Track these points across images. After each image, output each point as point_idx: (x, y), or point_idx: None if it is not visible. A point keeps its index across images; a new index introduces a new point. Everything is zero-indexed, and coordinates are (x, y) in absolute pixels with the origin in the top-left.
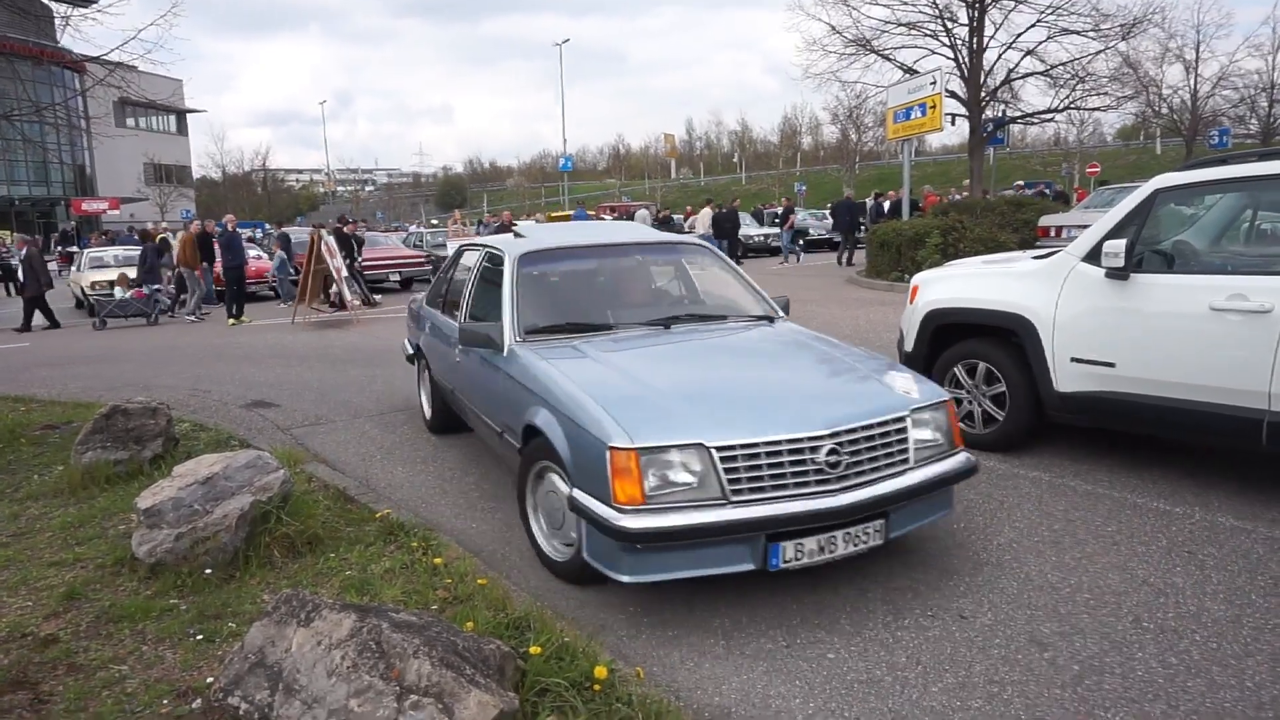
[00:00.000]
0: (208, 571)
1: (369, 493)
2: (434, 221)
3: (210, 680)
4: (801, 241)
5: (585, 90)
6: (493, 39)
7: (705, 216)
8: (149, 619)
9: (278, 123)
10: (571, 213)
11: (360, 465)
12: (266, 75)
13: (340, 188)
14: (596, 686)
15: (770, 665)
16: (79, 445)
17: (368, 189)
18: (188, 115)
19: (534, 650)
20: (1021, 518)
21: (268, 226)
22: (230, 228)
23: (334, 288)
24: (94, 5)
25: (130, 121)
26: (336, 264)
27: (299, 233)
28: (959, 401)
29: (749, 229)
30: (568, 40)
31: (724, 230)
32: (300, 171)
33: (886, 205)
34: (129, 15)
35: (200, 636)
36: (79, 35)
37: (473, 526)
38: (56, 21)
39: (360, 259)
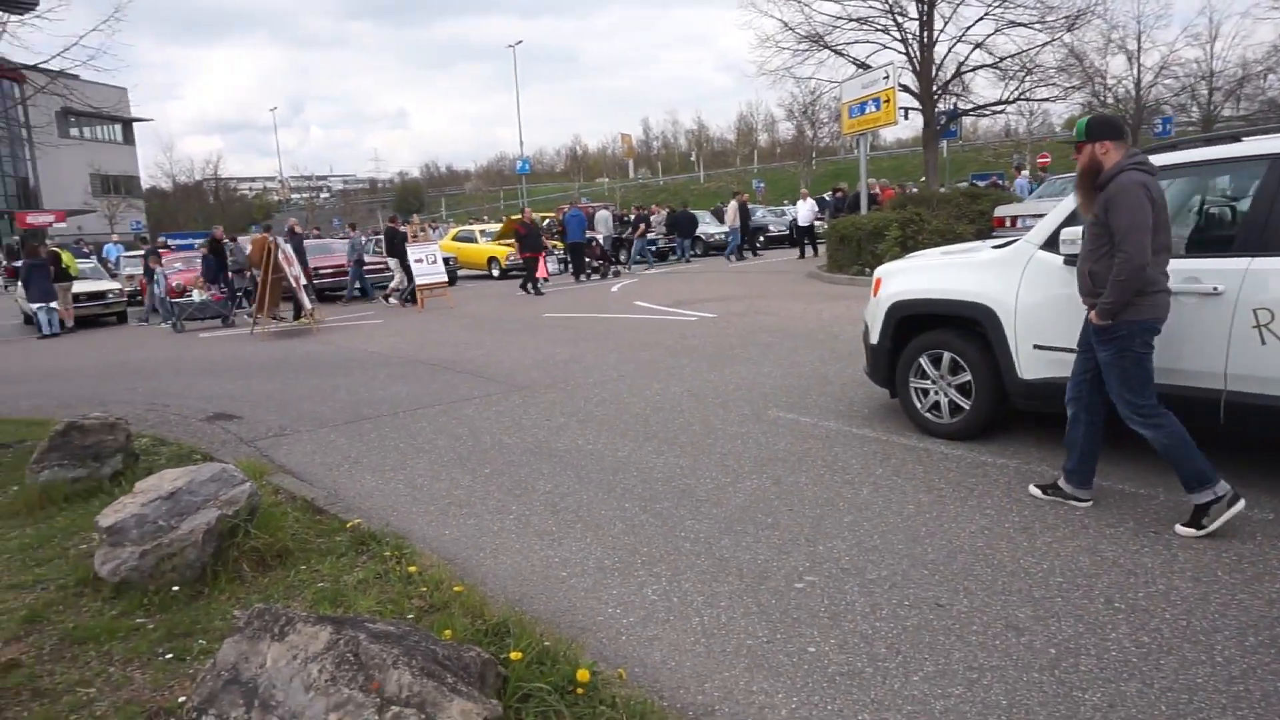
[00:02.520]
0: (175, 589)
1: (338, 503)
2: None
3: (182, 700)
4: (761, 238)
5: (540, 92)
6: (445, 42)
7: (734, 209)
8: (115, 639)
9: (228, 130)
10: (567, 210)
11: (327, 475)
12: (214, 82)
13: (295, 195)
14: (579, 690)
15: (751, 661)
16: (34, 464)
17: (323, 196)
18: (134, 124)
19: (515, 656)
20: (992, 505)
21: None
22: (296, 230)
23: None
24: (32, 12)
25: (74, 131)
26: (295, 272)
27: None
28: (925, 392)
29: (707, 227)
30: (520, 42)
31: (682, 228)
32: (253, 180)
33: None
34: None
35: (170, 655)
36: (17, 42)
37: (445, 533)
38: None
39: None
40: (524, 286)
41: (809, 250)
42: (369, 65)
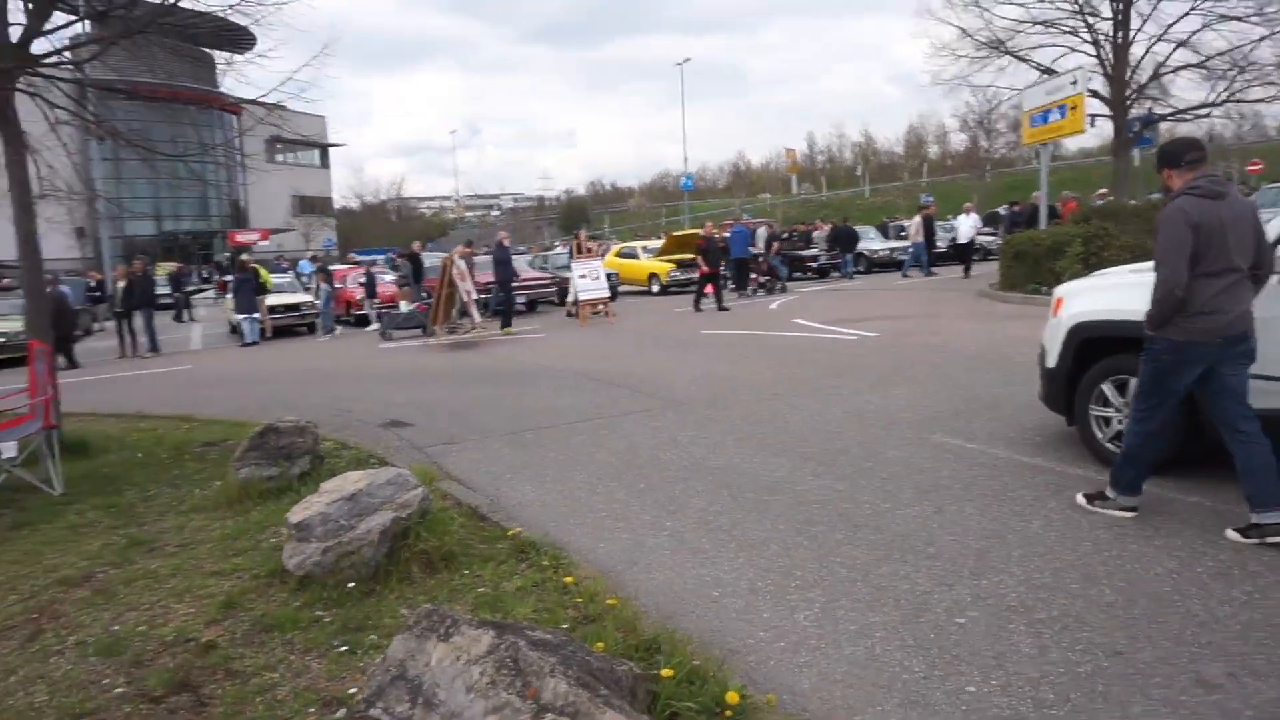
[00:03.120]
0: (350, 585)
1: (499, 511)
2: (556, 245)
3: (353, 690)
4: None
5: (705, 109)
6: (615, 61)
7: (916, 224)
8: (297, 629)
9: (411, 153)
10: (730, 230)
11: (490, 484)
12: (401, 107)
13: (468, 213)
14: (728, 712)
15: (905, 697)
16: (236, 461)
17: (494, 214)
18: (330, 149)
19: (665, 673)
20: (1182, 546)
21: (398, 250)
22: (504, 243)
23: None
24: (251, 51)
25: (279, 157)
26: (467, 287)
27: (430, 258)
28: (1107, 421)
29: (871, 243)
30: (688, 59)
31: (844, 244)
32: (431, 199)
33: (1019, 212)
34: (282, 58)
35: (344, 648)
36: (241, 78)
37: (601, 546)
38: (218, 68)
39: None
40: (697, 304)
41: (971, 269)
42: (542, 87)
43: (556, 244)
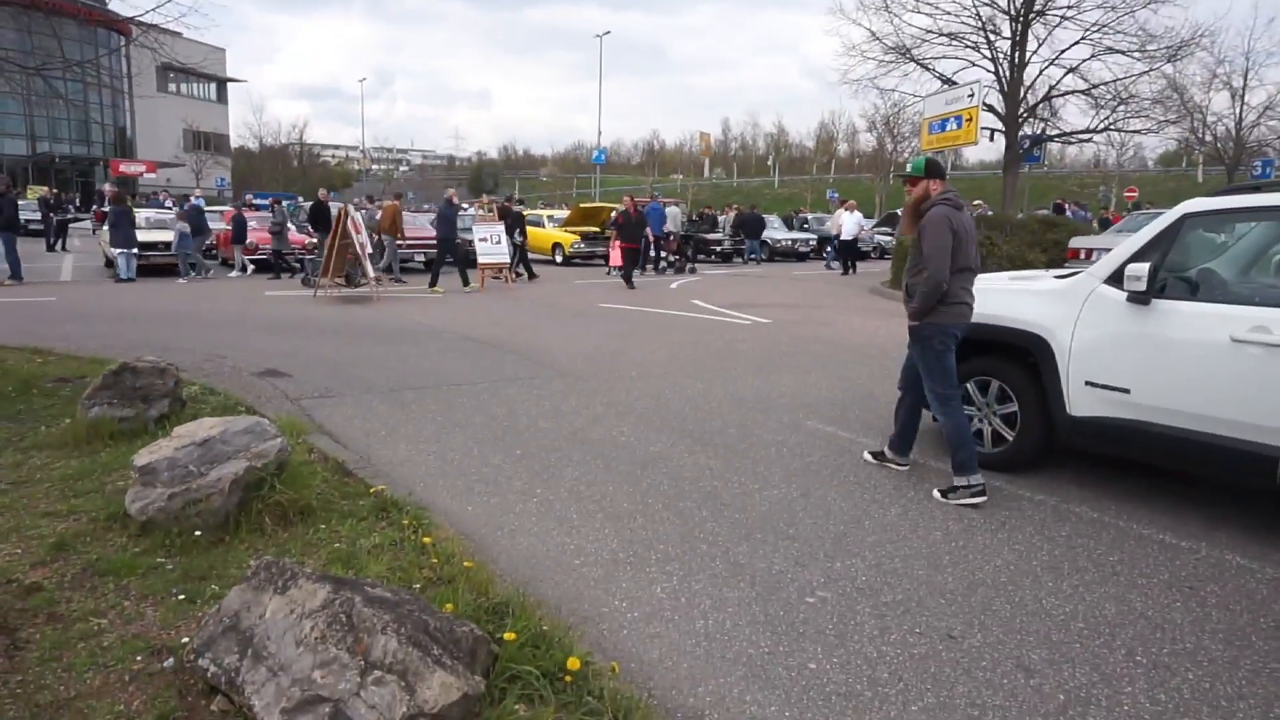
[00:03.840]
0: (197, 534)
1: (368, 468)
2: (464, 206)
3: (185, 640)
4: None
5: (623, 84)
6: (535, 26)
7: (847, 219)
8: (134, 575)
9: (317, 98)
10: (649, 202)
11: (363, 440)
12: (309, 50)
13: (375, 166)
14: (568, 678)
15: (749, 670)
16: (86, 399)
17: (402, 169)
18: (228, 84)
19: (509, 636)
20: (1022, 540)
21: (300, 199)
22: (453, 201)
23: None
24: None
25: (171, 87)
26: (361, 239)
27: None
28: (969, 419)
29: (775, 232)
30: (609, 33)
31: (750, 230)
32: (337, 147)
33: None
34: None
35: (182, 597)
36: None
37: (468, 509)
38: None
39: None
40: (628, 279)
41: (853, 267)
42: (458, 44)
43: (465, 206)
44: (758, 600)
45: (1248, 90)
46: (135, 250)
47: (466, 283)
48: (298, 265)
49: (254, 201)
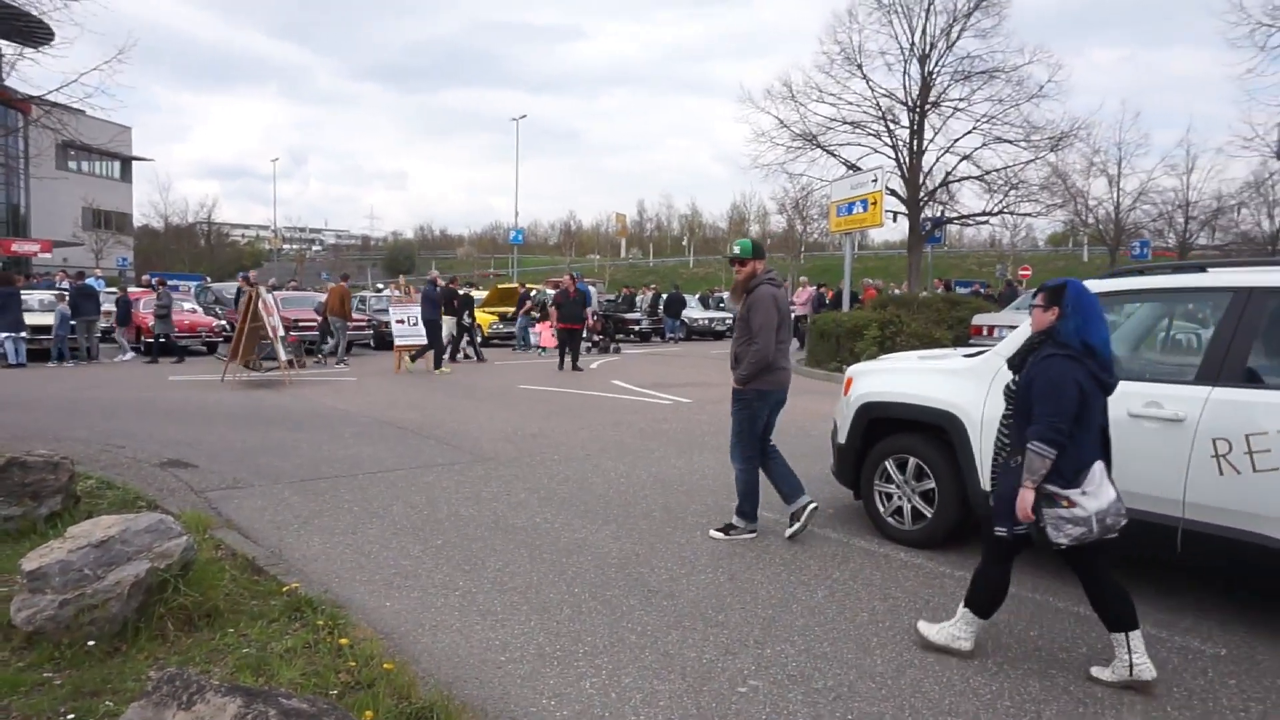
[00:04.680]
0: (91, 644)
1: (280, 564)
2: (379, 286)
3: None
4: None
5: (539, 165)
6: (451, 110)
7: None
8: (16, 694)
9: (227, 177)
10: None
11: (274, 534)
12: (220, 129)
13: (286, 245)
14: None
15: None
16: None
17: (315, 249)
18: (133, 163)
19: None
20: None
21: (208, 280)
22: (437, 282)
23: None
24: (44, 48)
25: (72, 164)
26: (273, 323)
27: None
28: (889, 496)
29: (694, 311)
30: (524, 116)
31: (671, 310)
32: (247, 227)
33: (829, 296)
34: (78, 59)
35: (71, 716)
36: (20, 78)
37: (386, 605)
38: (4, 61)
39: (468, 319)
40: (576, 364)
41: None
42: (374, 126)
43: (380, 286)
44: (689, 692)
45: (1122, 177)
46: (24, 334)
47: (438, 365)
48: (181, 349)
49: (166, 282)
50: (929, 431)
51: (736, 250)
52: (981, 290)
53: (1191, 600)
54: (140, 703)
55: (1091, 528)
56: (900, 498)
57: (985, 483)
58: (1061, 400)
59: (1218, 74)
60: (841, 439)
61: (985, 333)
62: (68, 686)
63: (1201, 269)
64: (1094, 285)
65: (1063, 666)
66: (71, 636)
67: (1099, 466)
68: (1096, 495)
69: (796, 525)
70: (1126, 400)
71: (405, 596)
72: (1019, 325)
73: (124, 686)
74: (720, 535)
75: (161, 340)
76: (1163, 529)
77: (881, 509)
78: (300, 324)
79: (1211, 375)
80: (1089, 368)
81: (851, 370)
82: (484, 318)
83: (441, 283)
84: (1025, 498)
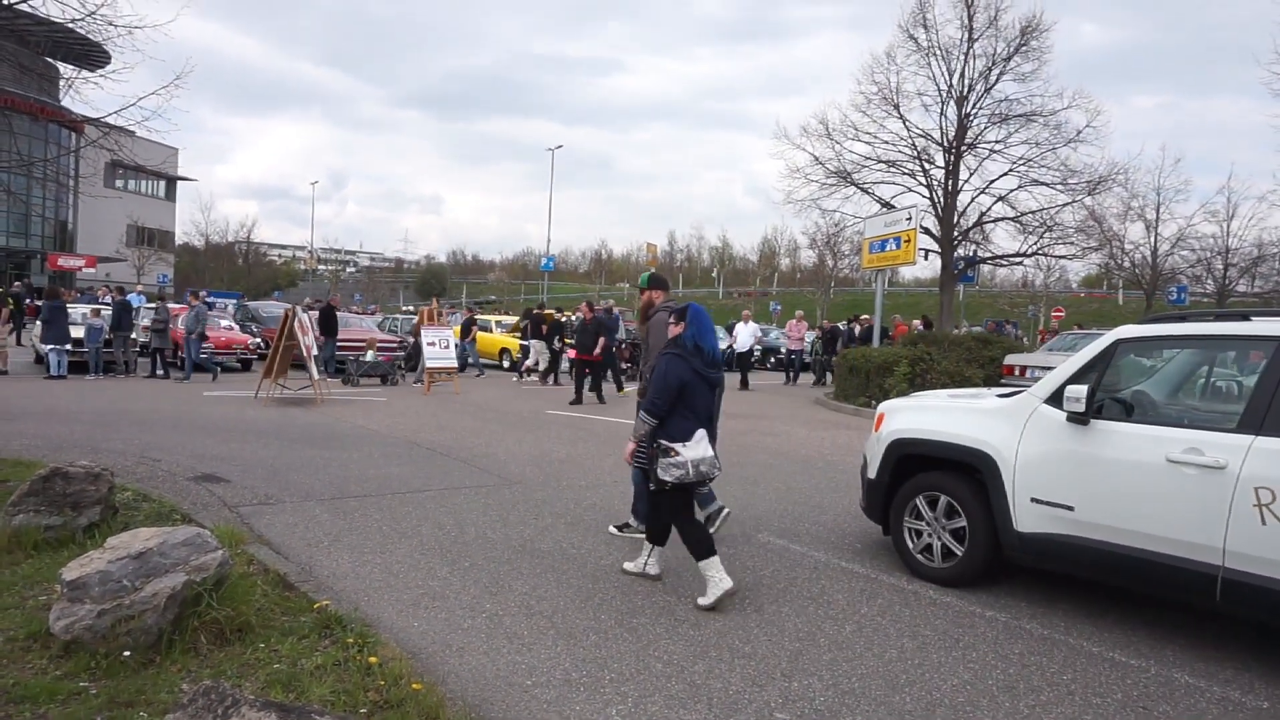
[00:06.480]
0: (126, 654)
1: (310, 580)
2: (408, 308)
3: None
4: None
5: (572, 194)
6: (489, 138)
7: (741, 330)
8: (53, 702)
9: (267, 198)
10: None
11: (305, 551)
12: (263, 151)
13: (321, 266)
14: None
15: None
16: (10, 506)
17: (349, 270)
18: (178, 182)
19: None
20: (976, 659)
21: (244, 297)
22: (612, 310)
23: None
24: (100, 71)
25: (119, 183)
26: (308, 342)
27: (275, 306)
28: (919, 533)
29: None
30: (560, 146)
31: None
32: (284, 247)
33: (858, 330)
34: (134, 83)
35: None
36: (79, 98)
37: (414, 625)
38: (61, 82)
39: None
40: (599, 393)
41: (748, 380)
42: (412, 151)
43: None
44: None
45: (1160, 223)
46: (68, 346)
47: (620, 388)
48: (175, 364)
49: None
50: (961, 470)
51: (641, 280)
52: (1012, 330)
53: (1232, 651)
54: (176, 714)
55: (689, 471)
56: (930, 535)
57: (1018, 523)
58: (666, 385)
59: (1260, 122)
60: (872, 474)
61: (1018, 373)
62: (103, 696)
63: (1245, 317)
64: (1134, 330)
65: (1097, 712)
66: (108, 646)
67: (701, 432)
68: (694, 449)
69: (616, 532)
70: (1163, 445)
71: (433, 617)
72: (1054, 366)
73: (158, 698)
74: (615, 531)
75: (158, 352)
76: (1202, 577)
77: (911, 545)
78: (377, 344)
79: (1254, 424)
80: (694, 364)
81: (883, 406)
82: (514, 343)
83: (616, 313)
84: (629, 448)
